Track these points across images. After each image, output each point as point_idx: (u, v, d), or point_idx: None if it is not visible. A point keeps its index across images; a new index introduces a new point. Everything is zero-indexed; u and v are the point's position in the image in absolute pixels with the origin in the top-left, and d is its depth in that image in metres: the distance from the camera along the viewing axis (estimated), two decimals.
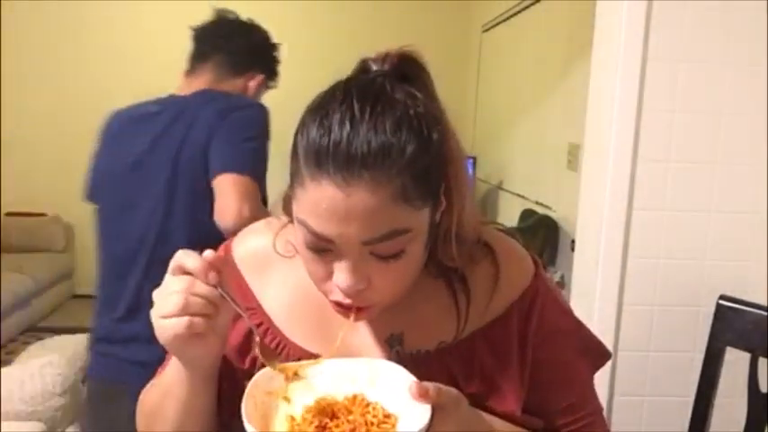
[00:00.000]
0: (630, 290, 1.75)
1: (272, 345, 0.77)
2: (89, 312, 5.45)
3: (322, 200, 0.62)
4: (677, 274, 1.74)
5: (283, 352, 0.77)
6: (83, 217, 5.04)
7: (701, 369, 1.41)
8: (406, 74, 0.69)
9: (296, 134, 0.67)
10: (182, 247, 0.67)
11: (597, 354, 0.87)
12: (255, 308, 0.79)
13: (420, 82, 0.70)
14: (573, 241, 2.07)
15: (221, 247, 0.83)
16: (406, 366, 0.70)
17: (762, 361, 1.37)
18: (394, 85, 0.67)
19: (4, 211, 4.63)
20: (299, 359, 0.75)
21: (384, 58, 0.70)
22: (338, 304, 0.70)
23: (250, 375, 0.70)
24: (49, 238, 4.63)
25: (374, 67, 0.70)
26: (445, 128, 0.70)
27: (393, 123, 0.63)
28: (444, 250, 0.74)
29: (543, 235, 2.81)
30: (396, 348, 0.76)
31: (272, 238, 0.80)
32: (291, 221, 0.74)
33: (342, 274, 0.66)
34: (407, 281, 0.71)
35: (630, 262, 1.74)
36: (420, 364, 0.73)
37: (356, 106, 0.63)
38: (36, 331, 4.04)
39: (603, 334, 1.74)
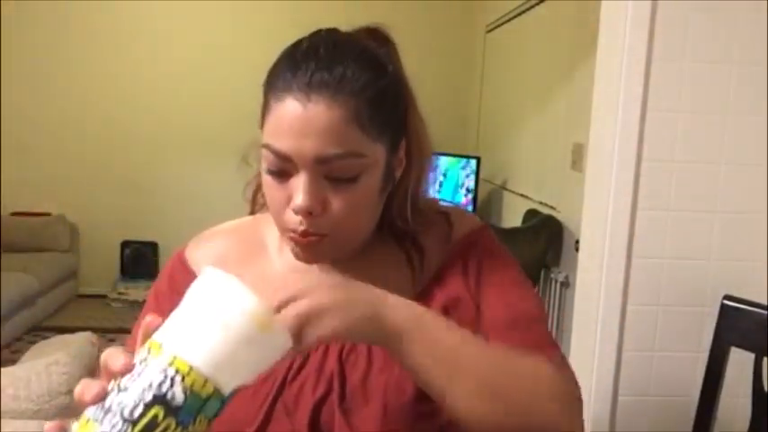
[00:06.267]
0: (635, 290, 1.75)
1: None
2: (93, 311, 5.49)
3: (284, 115, 0.69)
4: (682, 275, 1.74)
5: None
6: (87, 217, 5.08)
7: (706, 369, 1.42)
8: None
9: (266, 79, 0.74)
10: None
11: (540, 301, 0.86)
12: None
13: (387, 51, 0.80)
14: (577, 241, 2.07)
15: (174, 258, 0.87)
16: None
17: (766, 361, 1.37)
18: (360, 37, 0.78)
19: (8, 211, 4.65)
20: None
21: (352, 30, 0.80)
22: (293, 239, 0.73)
23: None
24: (54, 238, 4.64)
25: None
26: (409, 94, 0.80)
27: (354, 55, 0.72)
28: (399, 209, 0.81)
29: (547, 235, 2.81)
30: None
31: (227, 242, 0.86)
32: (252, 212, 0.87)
33: (298, 194, 0.70)
34: (361, 216, 0.75)
35: (635, 262, 1.74)
36: None
37: (322, 45, 0.72)
38: (41, 330, 4.05)
39: (607, 334, 1.75)
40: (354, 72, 0.70)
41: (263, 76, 0.80)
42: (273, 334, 0.54)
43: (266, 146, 0.71)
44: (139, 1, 4.63)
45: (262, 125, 0.74)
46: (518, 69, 3.74)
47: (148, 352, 0.52)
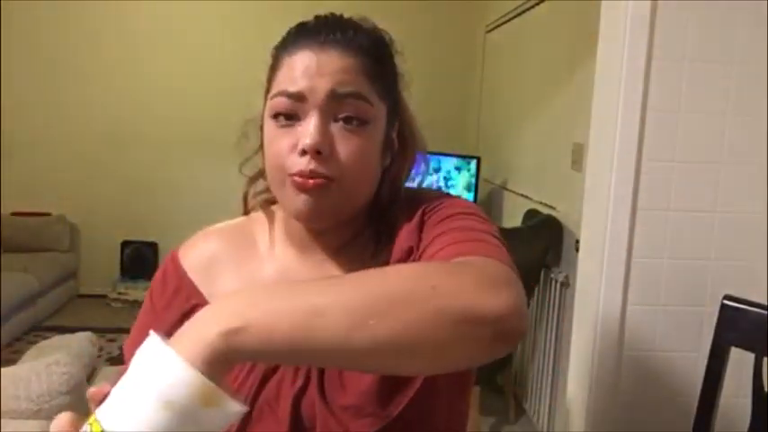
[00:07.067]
0: (635, 290, 1.75)
1: None
2: (93, 312, 5.48)
3: (298, 65, 0.74)
4: (682, 275, 1.74)
5: None
6: (87, 217, 5.08)
7: (706, 369, 1.42)
8: None
9: (276, 46, 0.79)
10: None
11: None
12: (202, 303, 0.79)
13: None
14: (577, 241, 2.07)
15: (168, 258, 0.87)
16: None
17: (766, 361, 1.37)
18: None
19: (8, 211, 4.65)
20: None
21: None
22: (299, 184, 0.73)
23: None
24: (54, 238, 4.64)
25: None
26: (403, 85, 0.83)
27: (358, 26, 0.78)
28: (392, 191, 0.83)
29: (547, 235, 2.81)
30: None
31: (219, 243, 0.86)
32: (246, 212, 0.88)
33: (307, 135, 0.72)
34: (364, 169, 0.77)
35: (635, 262, 1.74)
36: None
37: (330, 17, 0.79)
38: (41, 330, 4.05)
39: (607, 334, 1.75)
40: (361, 37, 0.76)
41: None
42: (220, 407, 0.49)
43: (279, 92, 0.74)
44: (138, 1, 4.63)
45: (267, 90, 0.78)
46: (518, 69, 3.74)
47: (90, 430, 0.49)
